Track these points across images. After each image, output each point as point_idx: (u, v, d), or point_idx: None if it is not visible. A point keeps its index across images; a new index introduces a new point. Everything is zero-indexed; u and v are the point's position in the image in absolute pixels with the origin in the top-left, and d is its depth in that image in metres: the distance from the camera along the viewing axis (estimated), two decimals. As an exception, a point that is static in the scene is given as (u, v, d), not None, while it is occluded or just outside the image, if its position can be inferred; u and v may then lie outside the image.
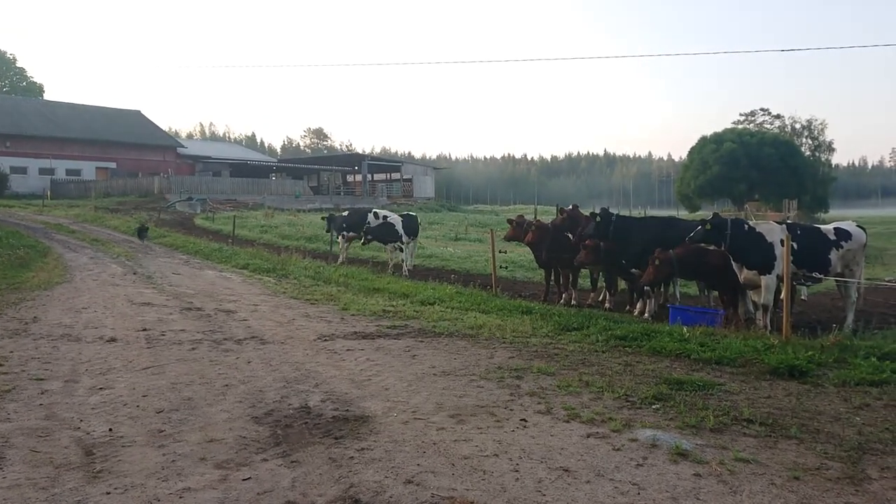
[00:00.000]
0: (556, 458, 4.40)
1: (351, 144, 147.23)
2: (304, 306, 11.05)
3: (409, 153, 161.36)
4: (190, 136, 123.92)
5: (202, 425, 5.03)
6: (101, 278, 14.20)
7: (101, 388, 6.02)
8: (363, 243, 16.79)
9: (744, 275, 8.87)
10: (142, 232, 24.35)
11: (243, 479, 4.03)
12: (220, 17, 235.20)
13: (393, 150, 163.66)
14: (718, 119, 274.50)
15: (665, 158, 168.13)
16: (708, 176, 59.24)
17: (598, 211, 10.99)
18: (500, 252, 14.86)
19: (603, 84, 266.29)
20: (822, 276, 9.16)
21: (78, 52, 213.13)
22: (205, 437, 4.75)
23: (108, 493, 3.83)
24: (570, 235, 11.52)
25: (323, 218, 20.56)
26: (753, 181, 58.26)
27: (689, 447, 4.54)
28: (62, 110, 61.38)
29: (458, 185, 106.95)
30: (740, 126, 68.87)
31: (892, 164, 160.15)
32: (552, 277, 12.29)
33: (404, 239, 16.22)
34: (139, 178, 51.65)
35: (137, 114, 69.67)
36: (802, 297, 11.78)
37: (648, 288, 10.26)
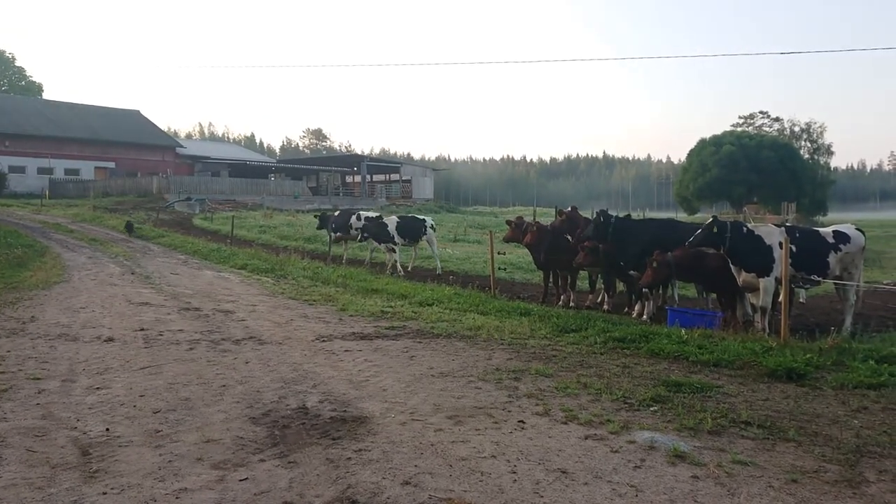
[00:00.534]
0: (554, 459, 4.40)
1: (350, 145, 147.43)
2: (303, 307, 11.04)
3: (409, 154, 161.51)
4: (189, 136, 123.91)
5: (199, 425, 5.02)
6: (98, 278, 14.18)
7: (98, 388, 6.01)
8: (359, 240, 17.29)
9: (742, 277, 8.87)
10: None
11: (240, 480, 4.02)
12: (219, 17, 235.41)
13: (392, 151, 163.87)
14: (717, 122, 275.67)
15: (664, 161, 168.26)
16: (707, 178, 59.25)
17: (597, 212, 11.00)
18: (498, 253, 14.89)
19: (602, 86, 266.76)
20: (820, 278, 9.16)
21: (77, 51, 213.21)
22: (202, 438, 4.74)
23: (105, 494, 3.82)
24: (568, 237, 11.52)
25: (315, 216, 21.24)
26: (752, 184, 58.27)
27: (687, 449, 4.54)
28: (61, 110, 61.30)
29: (457, 187, 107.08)
30: (739, 129, 68.90)
31: (890, 167, 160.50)
32: (551, 279, 12.29)
33: (397, 240, 16.35)
34: (138, 178, 51.59)
35: (136, 113, 69.64)
36: (801, 300, 11.78)
37: (647, 290, 10.25)
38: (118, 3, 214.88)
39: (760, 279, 8.71)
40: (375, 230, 16.40)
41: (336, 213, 19.51)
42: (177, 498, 3.77)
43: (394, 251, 16.37)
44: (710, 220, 9.05)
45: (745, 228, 9.02)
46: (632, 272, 10.51)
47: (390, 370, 6.78)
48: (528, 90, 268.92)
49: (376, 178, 70.43)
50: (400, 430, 4.96)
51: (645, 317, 10.29)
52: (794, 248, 8.63)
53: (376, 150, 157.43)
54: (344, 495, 3.82)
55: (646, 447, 4.61)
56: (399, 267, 16.09)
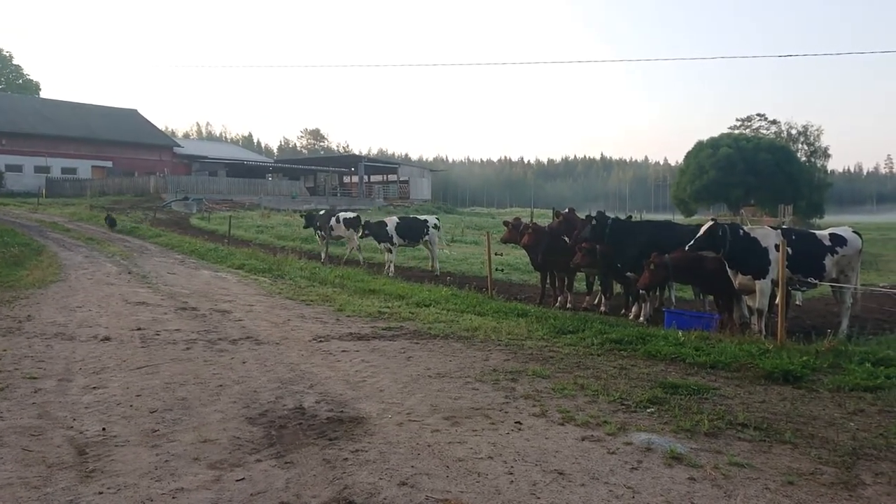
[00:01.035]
0: (551, 460, 4.40)
1: (348, 145, 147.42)
2: (300, 307, 11.03)
3: (406, 155, 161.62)
4: (186, 136, 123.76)
5: (196, 425, 5.02)
6: (95, 277, 14.14)
7: (94, 388, 5.99)
8: (360, 237, 17.58)
9: (739, 280, 8.88)
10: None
11: (237, 480, 4.01)
12: (217, 16, 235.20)
13: (390, 152, 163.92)
14: (715, 124, 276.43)
15: (661, 163, 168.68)
16: (704, 181, 59.35)
17: (594, 214, 11.01)
18: (496, 254, 14.87)
19: (600, 88, 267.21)
20: (817, 281, 9.18)
21: (75, 50, 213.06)
22: (198, 438, 4.74)
23: (101, 493, 3.81)
24: (566, 238, 11.53)
25: (301, 215, 21.91)
26: (749, 186, 58.41)
27: (684, 451, 4.55)
28: (58, 108, 61.12)
29: (454, 187, 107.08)
30: (737, 131, 69.01)
31: (887, 170, 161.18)
32: (548, 280, 12.30)
33: (395, 240, 16.42)
34: (135, 178, 51.43)
35: (134, 113, 69.48)
36: (797, 302, 11.81)
37: (644, 292, 10.27)
38: (116, 2, 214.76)
39: (757, 281, 8.72)
40: (375, 230, 16.47)
41: (321, 213, 20.03)
42: (173, 498, 3.76)
43: (390, 251, 16.42)
44: (710, 223, 9.05)
45: (741, 231, 9.04)
46: (629, 274, 10.53)
47: (387, 371, 6.78)
48: (526, 91, 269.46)
49: (374, 178, 70.37)
50: (397, 430, 4.95)
51: (642, 318, 10.30)
52: (790, 251, 8.63)
53: (374, 151, 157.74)
54: (340, 496, 3.81)
55: (643, 449, 4.61)
56: (392, 268, 16.13)
